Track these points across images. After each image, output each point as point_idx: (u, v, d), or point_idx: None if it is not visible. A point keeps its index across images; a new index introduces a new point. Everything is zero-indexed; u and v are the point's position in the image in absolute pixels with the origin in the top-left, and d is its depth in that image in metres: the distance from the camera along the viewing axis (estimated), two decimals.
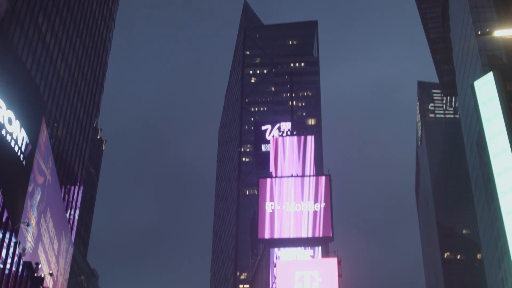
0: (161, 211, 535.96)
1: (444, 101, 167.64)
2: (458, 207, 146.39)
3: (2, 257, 41.37)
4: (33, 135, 52.01)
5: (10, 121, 47.18)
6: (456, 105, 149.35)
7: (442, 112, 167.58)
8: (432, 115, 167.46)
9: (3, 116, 46.01)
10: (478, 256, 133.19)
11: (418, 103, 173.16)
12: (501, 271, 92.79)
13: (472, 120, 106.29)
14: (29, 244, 50.25)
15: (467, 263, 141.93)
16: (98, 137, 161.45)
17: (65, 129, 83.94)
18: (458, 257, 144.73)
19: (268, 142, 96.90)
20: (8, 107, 47.19)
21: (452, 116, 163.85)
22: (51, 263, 60.78)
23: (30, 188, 50.60)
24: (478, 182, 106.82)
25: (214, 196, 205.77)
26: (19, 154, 48.69)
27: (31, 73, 62.72)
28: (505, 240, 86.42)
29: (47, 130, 58.57)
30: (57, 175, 64.49)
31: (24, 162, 49.47)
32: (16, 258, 44.46)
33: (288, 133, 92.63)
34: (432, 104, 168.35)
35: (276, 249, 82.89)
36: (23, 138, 49.56)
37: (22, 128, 49.41)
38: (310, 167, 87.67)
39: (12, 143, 47.46)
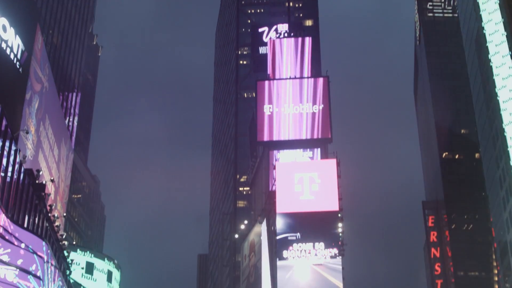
0: (161, 118, 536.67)
1: (443, 0, 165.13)
2: (456, 106, 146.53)
3: (3, 165, 41.59)
4: (28, 42, 51.40)
5: (4, 29, 46.59)
6: (455, 3, 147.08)
7: (440, 11, 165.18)
8: (430, 14, 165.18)
9: None
10: (476, 155, 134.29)
11: (416, 2, 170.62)
12: (499, 170, 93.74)
13: (471, 18, 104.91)
14: (29, 152, 50.47)
15: (466, 162, 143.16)
16: (94, 43, 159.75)
17: (60, 36, 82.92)
18: (457, 156, 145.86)
19: (265, 44, 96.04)
20: (2, 15, 46.47)
21: (450, 15, 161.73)
22: (52, 169, 61.25)
23: (27, 96, 50.39)
24: (477, 81, 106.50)
25: (212, 100, 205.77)
26: (15, 61, 48.30)
27: None
28: (503, 139, 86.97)
29: (42, 37, 57.77)
30: (54, 82, 64.09)
31: (20, 70, 49.09)
32: (16, 165, 44.71)
33: (286, 35, 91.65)
34: (430, 3, 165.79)
35: (275, 152, 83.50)
36: (19, 45, 49.03)
37: (17, 36, 48.79)
38: (308, 69, 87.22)
39: (8, 51, 47.03)
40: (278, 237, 74.19)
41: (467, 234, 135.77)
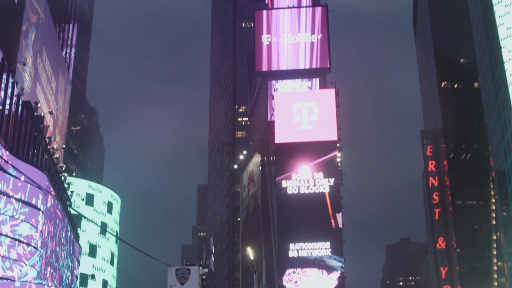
0: (158, 50, 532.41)
1: None
2: (456, 36, 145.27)
3: (1, 98, 41.49)
4: None
5: None
6: None
7: None
8: None
9: None
10: (475, 84, 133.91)
11: None
12: (498, 99, 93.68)
13: None
14: (27, 84, 50.25)
15: (464, 91, 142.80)
16: None
17: None
18: (455, 86, 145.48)
19: None
20: None
21: None
22: (50, 101, 61.10)
23: (24, 27, 49.82)
24: (477, 9, 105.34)
25: (210, 30, 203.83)
26: None
27: None
28: (502, 69, 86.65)
29: None
30: (50, 14, 63.28)
31: (16, 1, 48.42)
32: (14, 98, 44.58)
33: None
34: None
35: (273, 82, 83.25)
36: None
37: None
38: None
39: None
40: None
41: (465, 163, 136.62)
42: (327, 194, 73.33)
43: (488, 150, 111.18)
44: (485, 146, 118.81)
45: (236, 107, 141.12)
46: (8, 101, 43.03)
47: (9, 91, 43.38)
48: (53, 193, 44.18)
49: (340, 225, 72.74)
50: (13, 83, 44.47)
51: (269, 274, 75.42)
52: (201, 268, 18.42)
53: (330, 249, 71.94)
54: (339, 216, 72.99)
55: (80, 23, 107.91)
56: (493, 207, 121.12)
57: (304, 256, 72.12)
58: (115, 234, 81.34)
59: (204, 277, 20.86)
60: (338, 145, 75.90)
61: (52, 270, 43.19)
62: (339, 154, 75.52)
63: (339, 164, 75.51)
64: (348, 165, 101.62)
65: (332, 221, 72.93)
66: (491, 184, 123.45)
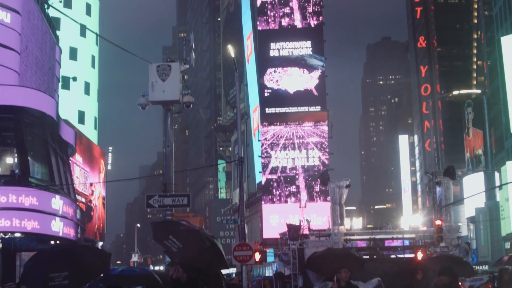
0: None
1: None
2: None
3: None
4: None
5: None
6: None
7: None
8: None
9: None
10: None
11: None
12: None
13: None
14: None
15: None
16: None
17: None
18: None
19: None
20: None
21: None
22: None
23: None
24: None
25: None
26: None
27: None
28: None
29: None
30: None
31: None
32: None
33: None
34: None
35: None
36: None
37: None
38: None
39: None
40: None
41: None
42: None
43: None
44: None
45: None
46: None
47: None
48: None
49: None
50: None
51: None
52: (182, 64, 18.43)
53: (311, 48, 72.10)
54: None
55: None
56: (475, 6, 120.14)
57: (285, 55, 72.34)
58: (95, 33, 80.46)
59: (186, 76, 20.92)
60: None
61: (32, 73, 43.17)
62: None
63: None
64: None
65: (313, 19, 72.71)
66: None
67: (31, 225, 32.60)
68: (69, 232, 35.93)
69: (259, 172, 71.75)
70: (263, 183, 70.58)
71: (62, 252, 11.65)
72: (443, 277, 12.72)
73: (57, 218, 34.31)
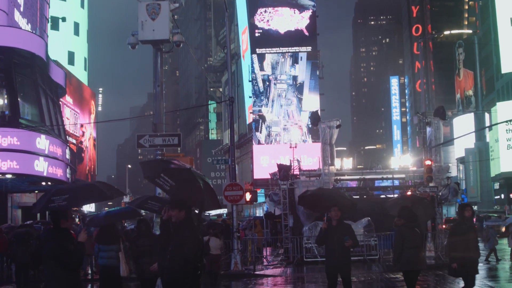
0: None
1: None
2: None
3: None
4: None
5: None
6: None
7: None
8: None
9: None
10: None
11: None
12: None
13: None
14: None
15: None
16: None
17: None
18: None
19: None
20: None
21: None
22: None
23: None
24: None
25: None
26: None
27: None
28: None
29: None
30: None
31: None
32: None
33: None
34: None
35: None
36: None
37: None
38: None
39: None
40: None
41: None
42: None
43: None
44: None
45: None
46: None
47: None
48: None
49: None
50: None
51: None
52: (172, 3, 18.15)
53: None
54: None
55: None
56: None
57: None
58: None
59: (176, 16, 20.62)
60: None
61: (21, 13, 42.59)
62: None
63: None
64: None
65: None
66: None
67: (7, 164, 32.29)
68: (56, 172, 35.55)
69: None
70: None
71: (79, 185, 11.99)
72: (399, 219, 13.22)
73: (41, 158, 33.95)
